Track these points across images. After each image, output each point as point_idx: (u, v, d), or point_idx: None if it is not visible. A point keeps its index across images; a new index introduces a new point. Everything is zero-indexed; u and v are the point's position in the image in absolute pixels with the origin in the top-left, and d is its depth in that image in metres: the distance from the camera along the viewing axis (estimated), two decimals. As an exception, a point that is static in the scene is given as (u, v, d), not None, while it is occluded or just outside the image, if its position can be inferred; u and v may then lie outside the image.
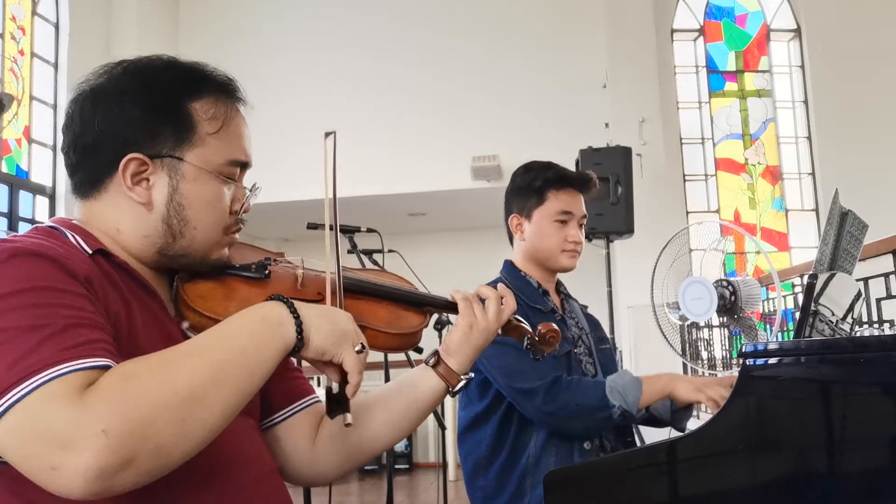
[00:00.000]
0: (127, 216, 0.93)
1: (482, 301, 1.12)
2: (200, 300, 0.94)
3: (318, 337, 0.87)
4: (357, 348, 0.90)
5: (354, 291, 1.07)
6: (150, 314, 0.90)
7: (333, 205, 1.00)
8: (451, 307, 1.14)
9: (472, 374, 1.13)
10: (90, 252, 0.87)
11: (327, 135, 1.01)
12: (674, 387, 1.63)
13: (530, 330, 1.18)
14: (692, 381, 1.64)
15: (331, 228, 1.00)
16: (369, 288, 1.10)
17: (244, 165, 0.99)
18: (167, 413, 0.71)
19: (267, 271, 1.02)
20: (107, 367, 0.73)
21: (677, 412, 1.75)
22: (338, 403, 0.91)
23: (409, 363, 2.84)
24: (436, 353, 1.12)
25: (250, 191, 1.01)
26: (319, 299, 1.01)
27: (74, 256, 0.83)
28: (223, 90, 0.97)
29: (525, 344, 1.18)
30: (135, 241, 0.94)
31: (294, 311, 0.86)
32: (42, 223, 0.96)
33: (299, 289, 1.03)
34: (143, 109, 0.91)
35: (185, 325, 0.94)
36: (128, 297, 0.87)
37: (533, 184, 1.86)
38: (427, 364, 1.11)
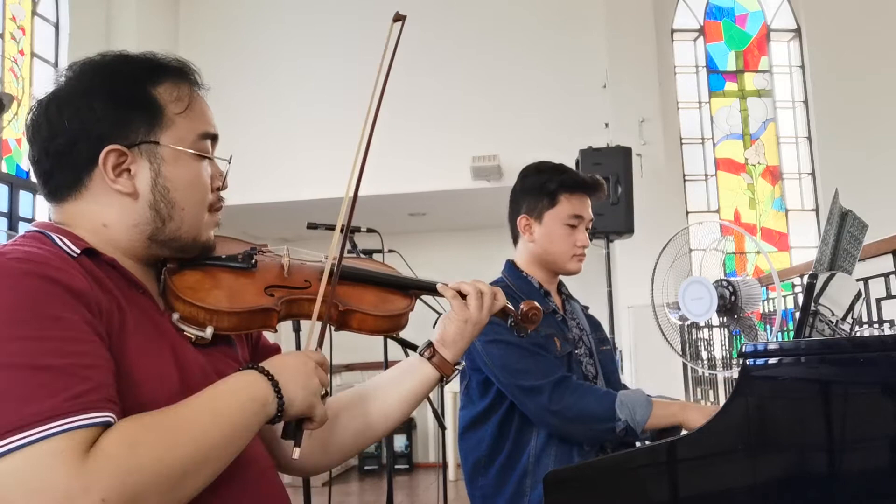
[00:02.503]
0: (113, 209, 0.94)
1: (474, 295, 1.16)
2: (189, 290, 0.96)
3: (295, 406, 0.90)
4: (322, 393, 0.94)
5: (343, 277, 1.10)
6: (139, 311, 0.90)
7: (381, 97, 1.04)
8: (430, 288, 1.19)
9: (464, 363, 1.18)
10: (77, 252, 0.88)
11: (397, 18, 1.05)
12: (686, 416, 1.58)
13: (513, 309, 1.21)
14: (703, 410, 1.59)
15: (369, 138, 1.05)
16: (357, 273, 1.13)
17: (214, 138, 1.01)
18: (161, 486, 0.74)
19: (253, 261, 1.04)
20: (109, 424, 0.74)
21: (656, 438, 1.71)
22: (293, 432, 0.94)
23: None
24: (430, 344, 1.16)
25: (228, 161, 1.03)
26: (306, 286, 1.04)
27: (68, 267, 0.83)
28: (179, 74, 0.99)
29: (509, 322, 1.21)
30: (123, 232, 0.94)
31: (277, 389, 0.88)
32: (38, 222, 0.96)
33: (286, 277, 1.06)
34: (110, 103, 0.93)
35: (176, 316, 0.95)
36: (117, 297, 0.88)
37: (546, 186, 1.85)
38: (422, 355, 1.15)
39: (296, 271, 1.08)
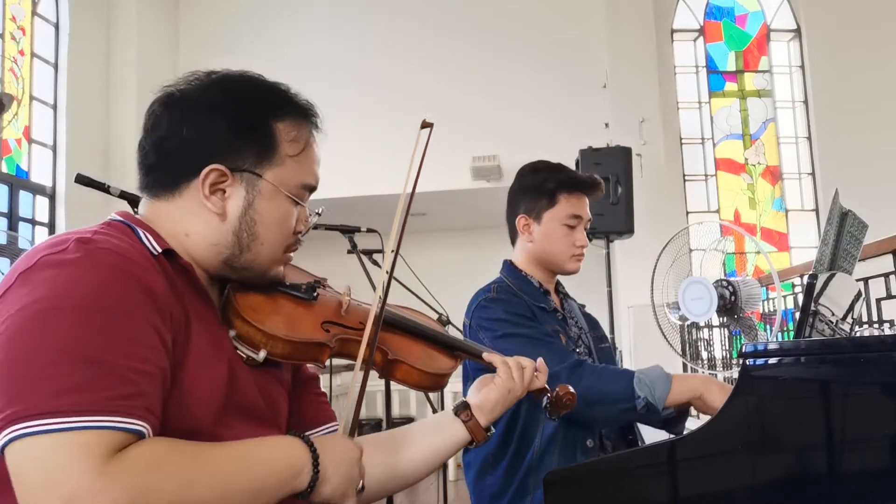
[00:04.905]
0: (199, 223, 0.95)
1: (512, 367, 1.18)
2: (251, 311, 0.96)
3: (327, 488, 0.89)
4: (358, 488, 0.93)
5: (394, 326, 1.12)
6: (204, 320, 0.92)
7: (410, 199, 1.04)
8: (478, 355, 1.19)
9: (493, 430, 1.18)
10: (158, 251, 0.89)
11: (424, 126, 1.05)
12: (707, 389, 1.53)
13: (549, 389, 1.22)
14: (725, 388, 1.53)
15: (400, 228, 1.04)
16: (408, 325, 1.14)
17: (313, 189, 1.02)
18: None
19: (315, 293, 1.05)
20: (141, 435, 0.75)
21: (670, 420, 1.68)
22: None
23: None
24: (466, 405, 1.15)
25: (318, 214, 1.05)
26: (360, 328, 1.04)
27: (150, 266, 0.85)
28: (304, 115, 1.00)
29: (544, 402, 1.22)
30: (202, 247, 0.96)
31: (316, 464, 0.87)
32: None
33: (343, 315, 1.07)
34: (231, 124, 0.94)
35: (232, 333, 0.96)
36: (185, 303, 0.89)
37: (545, 185, 1.84)
38: (457, 415, 1.14)
39: (353, 311, 1.08)
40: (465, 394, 1.82)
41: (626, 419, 1.66)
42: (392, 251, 1.03)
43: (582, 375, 1.61)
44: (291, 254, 1.04)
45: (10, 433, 0.71)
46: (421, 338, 1.15)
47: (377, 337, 1.01)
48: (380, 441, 1.13)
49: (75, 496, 0.68)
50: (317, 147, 1.02)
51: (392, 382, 1.23)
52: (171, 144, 0.94)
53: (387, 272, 1.04)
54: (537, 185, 1.85)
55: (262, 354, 0.95)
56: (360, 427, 6.22)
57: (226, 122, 0.94)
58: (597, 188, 1.88)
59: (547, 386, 1.22)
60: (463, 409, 1.14)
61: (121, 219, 0.93)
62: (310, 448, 0.88)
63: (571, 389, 1.22)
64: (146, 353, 0.78)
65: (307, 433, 1.08)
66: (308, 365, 1.10)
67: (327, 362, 1.03)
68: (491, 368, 1.20)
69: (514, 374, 1.16)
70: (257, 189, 0.95)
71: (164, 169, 0.95)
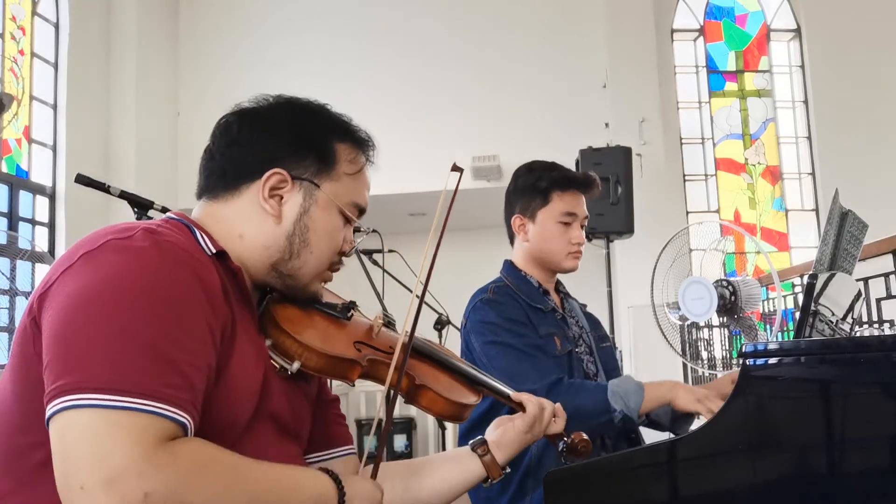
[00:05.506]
0: (253, 224, 0.98)
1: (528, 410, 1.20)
2: (288, 322, 0.99)
3: None
4: None
5: (423, 355, 1.15)
6: (247, 325, 0.94)
7: (439, 239, 1.09)
8: (502, 394, 1.22)
9: (509, 470, 1.20)
10: (213, 252, 0.92)
11: (454, 169, 1.09)
12: (675, 395, 1.61)
13: (566, 437, 1.24)
14: (693, 392, 1.61)
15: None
16: (435, 356, 1.17)
17: (362, 212, 1.08)
18: None
19: (350, 314, 1.09)
20: (184, 427, 0.76)
21: (678, 419, 1.74)
22: None
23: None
24: (484, 442, 1.18)
25: (365, 232, 1.10)
26: (390, 352, 1.06)
27: (209, 264, 0.88)
28: (362, 144, 1.08)
29: (560, 448, 1.24)
30: (254, 249, 0.99)
31: (341, 502, 0.89)
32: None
33: (374, 337, 1.10)
34: (297, 136, 1.00)
35: (268, 343, 0.98)
36: (233, 305, 0.91)
37: (537, 184, 1.85)
38: (474, 450, 1.17)
39: (383, 336, 1.12)
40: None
41: (605, 432, 1.70)
42: (421, 283, 1.06)
43: (559, 393, 1.64)
44: (332, 274, 1.07)
45: (62, 402, 0.71)
46: (446, 369, 1.18)
47: (406, 362, 1.03)
48: (401, 469, 1.16)
49: (120, 476, 0.68)
50: (368, 175, 1.09)
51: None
52: (237, 151, 0.99)
53: (417, 296, 1.06)
54: (531, 185, 1.86)
55: (295, 366, 0.96)
56: (360, 426, 6.22)
57: (292, 134, 1.00)
58: (591, 185, 1.88)
59: (563, 432, 1.23)
60: (480, 444, 1.17)
61: (178, 218, 0.96)
62: (339, 489, 0.90)
63: (586, 437, 1.24)
64: (199, 348, 0.80)
65: (324, 452, 1.11)
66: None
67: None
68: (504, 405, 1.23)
69: (535, 418, 1.19)
70: (314, 198, 1.00)
71: (228, 169, 0.99)
